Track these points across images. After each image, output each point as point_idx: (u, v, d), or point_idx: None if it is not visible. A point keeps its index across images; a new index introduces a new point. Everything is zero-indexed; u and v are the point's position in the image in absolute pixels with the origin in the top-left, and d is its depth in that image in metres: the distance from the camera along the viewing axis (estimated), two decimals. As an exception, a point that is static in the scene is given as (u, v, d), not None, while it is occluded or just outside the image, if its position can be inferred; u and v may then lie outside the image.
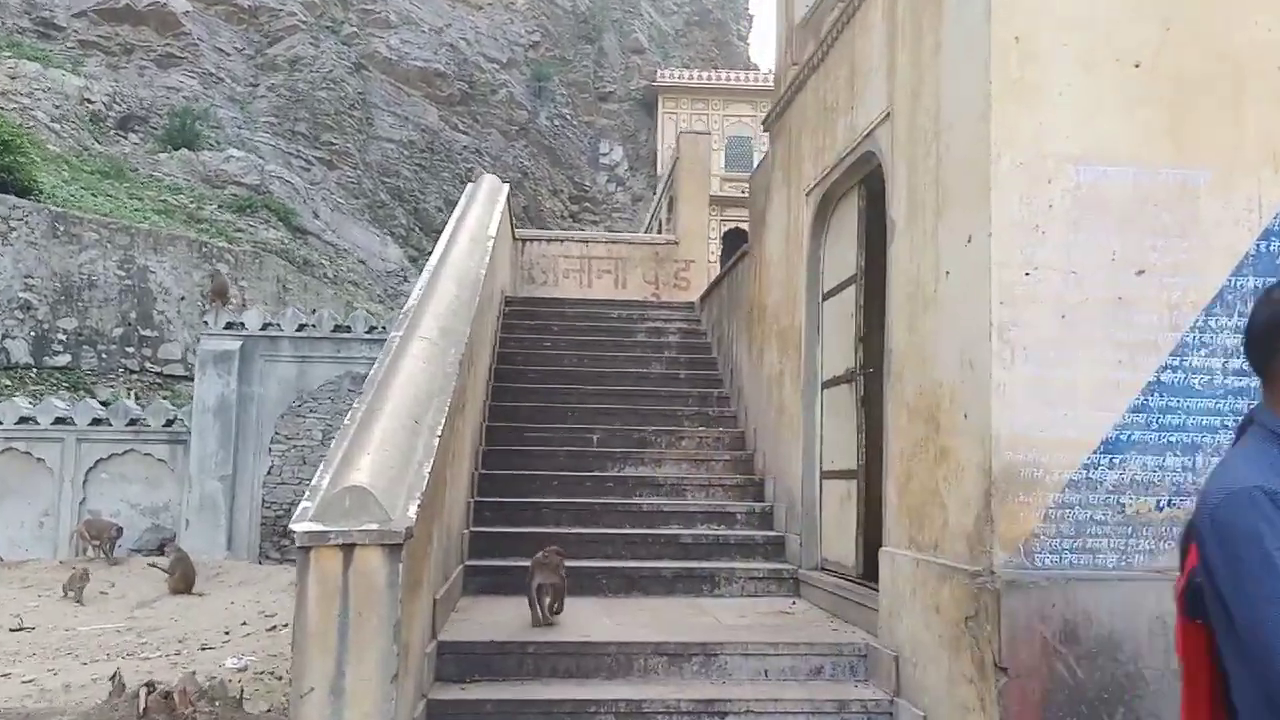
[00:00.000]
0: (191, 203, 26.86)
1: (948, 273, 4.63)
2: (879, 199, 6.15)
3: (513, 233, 13.52)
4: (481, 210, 9.67)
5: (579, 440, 8.82)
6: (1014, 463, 4.11)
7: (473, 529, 7.20)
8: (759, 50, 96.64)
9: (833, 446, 6.75)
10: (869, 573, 6.05)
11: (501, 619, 5.74)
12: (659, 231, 17.43)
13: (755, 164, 33.06)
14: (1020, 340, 4.17)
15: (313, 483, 4.18)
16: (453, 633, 5.33)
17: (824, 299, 6.96)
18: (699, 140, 15.24)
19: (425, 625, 4.78)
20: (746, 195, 32.38)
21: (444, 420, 5.03)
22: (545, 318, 11.66)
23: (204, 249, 23.87)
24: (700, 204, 14.63)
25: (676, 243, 14.48)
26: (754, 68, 42.69)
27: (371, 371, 5.41)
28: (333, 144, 34.54)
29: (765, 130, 8.38)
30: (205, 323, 13.34)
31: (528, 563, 6.83)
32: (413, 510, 4.06)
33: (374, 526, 3.86)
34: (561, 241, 14.55)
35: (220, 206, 27.56)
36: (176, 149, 29.02)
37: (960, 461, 4.39)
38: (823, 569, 6.79)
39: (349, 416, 4.82)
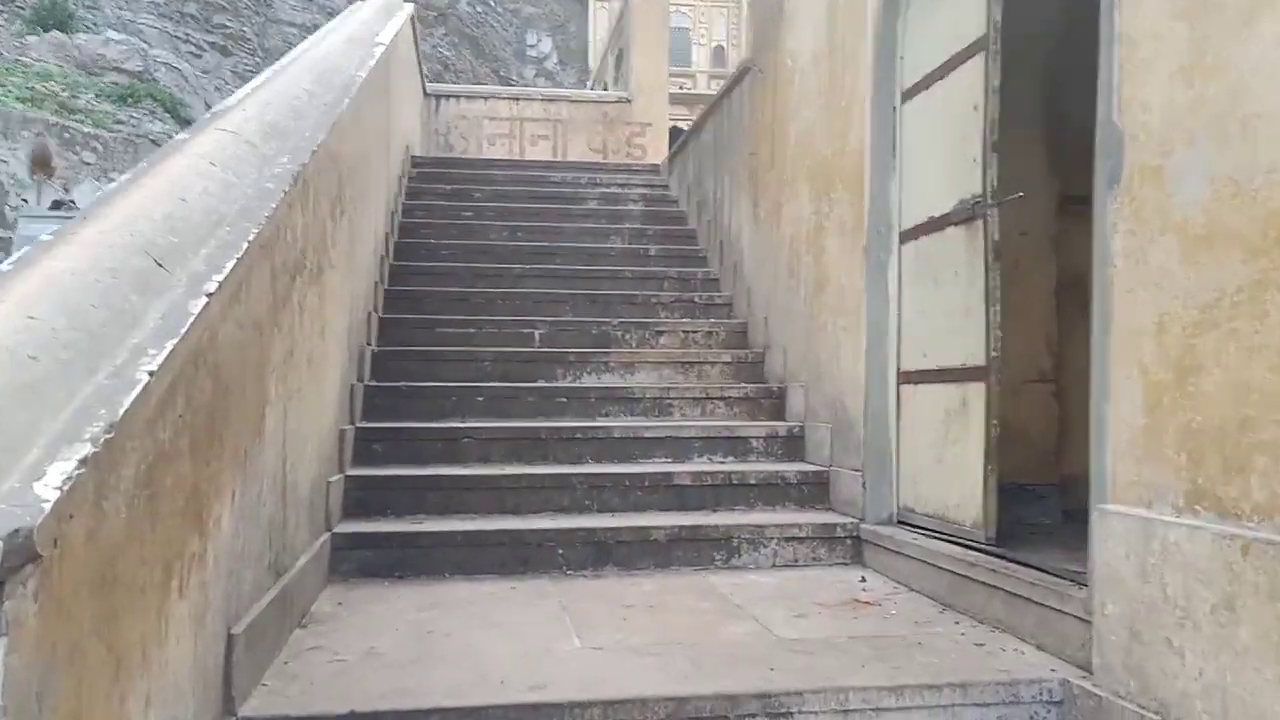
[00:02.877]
0: (64, 90, 23.51)
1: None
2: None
3: (423, 86, 10.61)
4: (370, 17, 6.81)
5: (515, 338, 6.20)
6: None
7: (351, 472, 4.58)
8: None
9: (922, 333, 4.25)
10: (1004, 535, 3.65)
11: (385, 643, 3.18)
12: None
13: (694, 59, 30.41)
14: None
15: None
16: (281, 688, 2.73)
17: (905, 99, 4.39)
18: (655, -25, 12.35)
19: (198, 703, 2.19)
20: (686, 91, 29.66)
21: (233, 267, 2.37)
22: (464, 181, 8.85)
23: (66, 134, 20.41)
24: (659, 53, 11.80)
25: (629, 101, 11.63)
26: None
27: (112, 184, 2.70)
28: (226, 27, 31.34)
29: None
30: (24, 201, 10.26)
31: (439, 526, 4.33)
32: (64, 471, 1.43)
33: (-96, 530, 1.25)
34: (486, 99, 11.56)
35: (98, 95, 24.40)
36: (46, 30, 25.95)
37: None
38: (902, 523, 4.36)
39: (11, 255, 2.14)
